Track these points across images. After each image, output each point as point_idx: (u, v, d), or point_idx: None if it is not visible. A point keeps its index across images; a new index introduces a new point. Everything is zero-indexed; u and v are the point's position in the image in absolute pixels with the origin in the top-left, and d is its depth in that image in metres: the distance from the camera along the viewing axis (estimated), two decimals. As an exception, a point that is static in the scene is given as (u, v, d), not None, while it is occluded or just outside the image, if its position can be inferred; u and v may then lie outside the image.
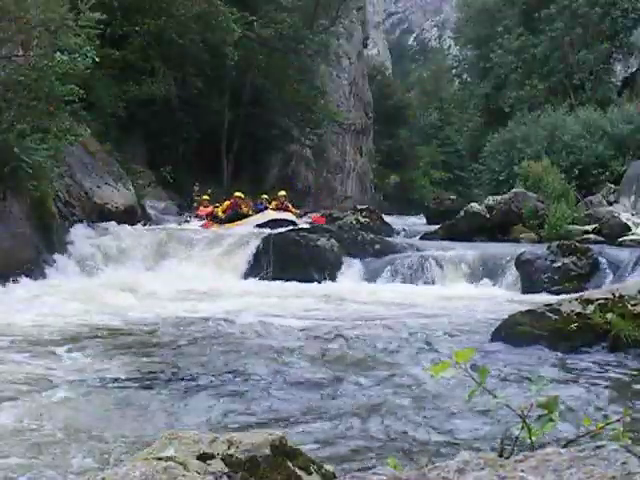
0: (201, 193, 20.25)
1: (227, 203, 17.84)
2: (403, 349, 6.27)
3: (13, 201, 11.17)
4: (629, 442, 1.31)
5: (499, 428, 3.78)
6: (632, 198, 16.33)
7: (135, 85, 19.95)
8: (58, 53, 11.35)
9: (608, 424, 1.45)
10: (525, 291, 10.95)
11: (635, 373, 5.15)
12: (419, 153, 48.95)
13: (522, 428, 1.45)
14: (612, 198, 17.16)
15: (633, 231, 13.80)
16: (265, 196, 19.25)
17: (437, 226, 16.29)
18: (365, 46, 45.80)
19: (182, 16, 20.85)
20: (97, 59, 12.20)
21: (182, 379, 5.25)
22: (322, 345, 6.51)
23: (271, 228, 15.16)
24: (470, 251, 12.53)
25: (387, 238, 14.17)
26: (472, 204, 16.01)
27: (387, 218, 18.27)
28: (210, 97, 23.44)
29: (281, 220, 16.55)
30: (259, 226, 16.06)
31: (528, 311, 6.14)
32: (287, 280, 11.80)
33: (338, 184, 38.34)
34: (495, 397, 1.52)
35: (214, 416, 4.30)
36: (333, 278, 12.02)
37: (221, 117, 24.43)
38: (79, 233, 13.06)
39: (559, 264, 11.11)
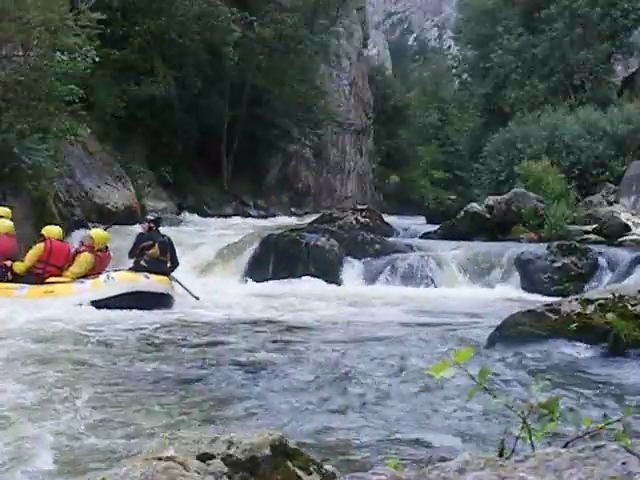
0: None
1: (39, 248, 9.39)
2: (403, 349, 6.27)
3: (13, 201, 11.18)
4: (629, 442, 1.31)
5: (499, 428, 3.78)
6: (632, 198, 16.32)
7: (135, 85, 19.95)
8: (58, 53, 11.36)
9: (608, 424, 1.45)
10: (525, 291, 10.97)
11: (635, 373, 5.15)
12: (419, 153, 48.93)
13: (522, 428, 1.45)
14: (612, 198, 17.14)
15: (633, 231, 13.79)
16: (93, 232, 10.02)
17: (437, 226, 16.27)
18: (365, 46, 45.79)
19: (182, 16, 20.87)
20: (97, 59, 12.21)
21: (183, 379, 5.25)
22: (321, 346, 6.51)
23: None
24: (470, 251, 12.54)
25: (387, 238, 14.16)
26: (472, 204, 15.99)
27: (387, 218, 18.22)
28: (210, 97, 23.43)
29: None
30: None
31: (528, 311, 6.14)
32: (287, 281, 11.81)
33: (338, 184, 38.34)
34: (495, 397, 1.52)
35: (214, 416, 4.30)
36: (333, 278, 12.01)
37: (221, 117, 24.42)
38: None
39: (559, 264, 11.12)
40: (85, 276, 9.18)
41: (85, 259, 9.34)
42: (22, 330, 7.01)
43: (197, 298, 9.32)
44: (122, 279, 9.00)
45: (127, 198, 16.00)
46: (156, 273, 9.15)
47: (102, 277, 9.04)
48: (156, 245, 9.35)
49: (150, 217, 10.30)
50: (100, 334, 7.02)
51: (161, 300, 8.99)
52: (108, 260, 9.70)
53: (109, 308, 8.44)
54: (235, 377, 5.31)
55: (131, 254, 9.52)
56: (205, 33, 21.43)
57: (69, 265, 9.33)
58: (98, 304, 8.56)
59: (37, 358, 5.78)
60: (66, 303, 8.48)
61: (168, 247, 9.52)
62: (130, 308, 8.48)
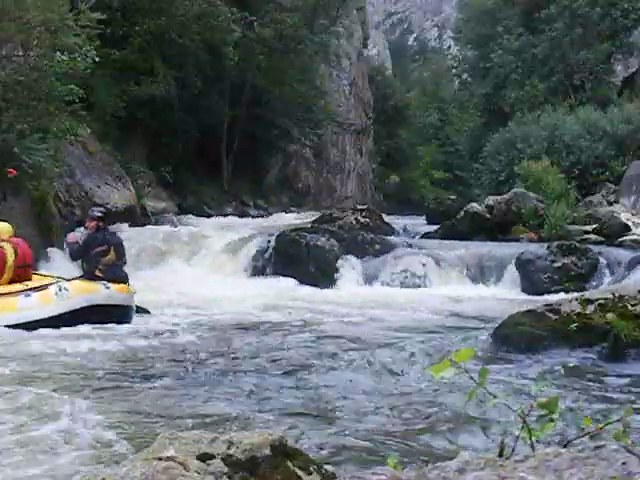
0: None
1: None
2: (403, 349, 6.27)
3: (13, 201, 11.18)
4: (629, 442, 1.31)
5: (499, 428, 3.78)
6: (632, 198, 16.31)
7: (135, 85, 19.95)
8: (58, 53, 11.36)
9: (608, 424, 1.45)
10: (525, 291, 10.96)
11: (635, 373, 5.15)
12: (419, 153, 48.92)
13: (522, 428, 1.45)
14: (612, 198, 17.13)
15: (633, 231, 13.78)
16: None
17: (437, 226, 16.27)
18: (365, 46, 45.76)
19: (182, 16, 20.87)
20: (97, 59, 12.21)
21: (183, 380, 5.25)
22: (322, 346, 6.51)
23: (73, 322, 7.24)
24: (470, 251, 12.53)
25: (387, 238, 14.15)
26: (472, 204, 15.98)
27: (387, 218, 18.22)
28: (210, 97, 23.43)
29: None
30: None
31: (528, 311, 6.14)
32: (286, 281, 11.80)
33: (338, 184, 38.32)
34: (495, 397, 1.52)
35: (214, 416, 4.29)
36: (333, 278, 12.01)
37: (221, 117, 24.42)
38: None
39: (559, 264, 11.12)
40: (19, 280, 7.50)
41: (8, 249, 7.55)
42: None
43: (148, 312, 8.32)
44: (78, 291, 7.40)
45: (127, 198, 15.99)
46: (115, 281, 7.75)
47: (53, 289, 7.34)
48: (112, 249, 7.87)
49: (97, 213, 8.13)
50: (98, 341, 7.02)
51: (122, 314, 7.60)
52: (29, 249, 8.03)
53: (55, 327, 6.81)
54: (234, 377, 5.31)
55: (77, 257, 8.02)
56: (205, 33, 21.43)
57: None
58: (42, 324, 6.85)
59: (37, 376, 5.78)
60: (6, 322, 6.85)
61: (123, 249, 8.15)
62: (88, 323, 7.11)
